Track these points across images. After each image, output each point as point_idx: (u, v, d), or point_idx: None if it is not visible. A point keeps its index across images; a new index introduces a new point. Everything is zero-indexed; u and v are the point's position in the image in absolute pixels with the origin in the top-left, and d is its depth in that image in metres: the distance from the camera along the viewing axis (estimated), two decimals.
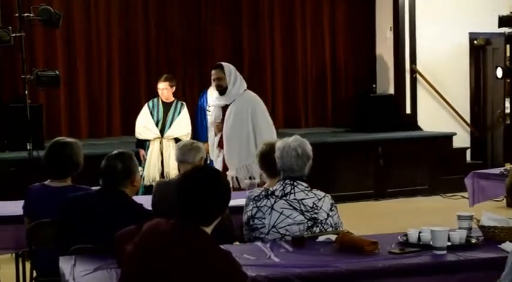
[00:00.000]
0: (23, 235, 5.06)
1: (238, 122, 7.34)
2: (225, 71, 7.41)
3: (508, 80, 12.17)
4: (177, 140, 8.72)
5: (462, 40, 12.73)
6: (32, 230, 4.94)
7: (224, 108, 7.47)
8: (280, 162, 4.58)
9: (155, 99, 9.17)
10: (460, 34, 12.65)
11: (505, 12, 11.12)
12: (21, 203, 5.21)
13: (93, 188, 4.92)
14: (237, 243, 5.01)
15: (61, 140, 5.24)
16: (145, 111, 9.13)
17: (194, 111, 9.64)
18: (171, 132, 9.00)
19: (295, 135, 4.70)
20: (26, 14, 7.98)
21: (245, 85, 7.52)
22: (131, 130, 9.60)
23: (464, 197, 9.96)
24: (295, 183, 4.52)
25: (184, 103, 9.22)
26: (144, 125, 9.04)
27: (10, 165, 9.21)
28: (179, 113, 9.10)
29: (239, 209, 4.82)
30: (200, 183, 3.23)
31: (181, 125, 9.03)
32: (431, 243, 4.09)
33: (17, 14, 7.99)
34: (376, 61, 12.89)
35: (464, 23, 12.58)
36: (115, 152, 4.77)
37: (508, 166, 8.39)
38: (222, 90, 7.44)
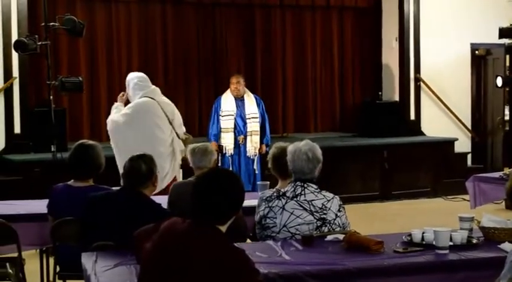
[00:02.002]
0: (47, 232, 5.08)
1: None
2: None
3: (508, 89, 12.11)
4: None
5: (464, 50, 12.69)
6: (56, 228, 4.96)
7: None
8: (292, 165, 4.57)
9: None
10: (462, 45, 12.61)
11: (505, 24, 11.08)
12: (45, 201, 5.24)
13: (113, 188, 4.94)
14: (250, 241, 5.01)
15: (84, 142, 5.27)
16: None
17: (209, 116, 9.70)
18: None
19: (306, 139, 4.69)
20: (51, 24, 8.00)
21: (143, 93, 7.40)
22: None
23: (465, 199, 9.94)
24: (305, 185, 4.51)
25: None
26: None
27: (35, 166, 9.23)
28: None
29: (251, 210, 4.82)
30: (215, 184, 3.23)
31: None
32: (434, 243, 4.08)
33: (43, 24, 8.01)
34: (382, 70, 12.85)
35: (466, 34, 12.54)
36: (137, 154, 4.78)
37: (507, 170, 8.33)
38: None
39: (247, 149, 9.40)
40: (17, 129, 10.06)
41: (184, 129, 7.71)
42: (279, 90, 12.41)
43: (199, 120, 11.61)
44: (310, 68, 12.64)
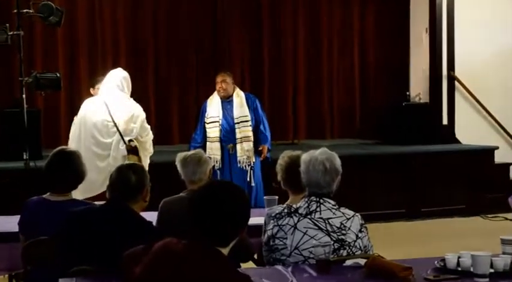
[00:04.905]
0: (18, 254, 5.06)
1: None
2: None
3: None
4: None
5: (507, 44, 12.70)
6: (28, 249, 4.94)
7: None
8: (306, 177, 4.55)
9: None
10: (505, 37, 12.64)
11: None
12: (15, 218, 5.22)
13: (96, 202, 4.93)
14: (254, 266, 5.00)
15: (65, 149, 5.28)
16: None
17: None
18: None
19: (322, 147, 4.67)
20: (25, 10, 8.03)
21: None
22: None
23: (507, 219, 9.95)
24: (321, 201, 4.50)
25: None
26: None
27: (4, 176, 9.24)
28: None
29: (254, 229, 4.80)
30: (215, 200, 3.22)
31: None
32: (471, 269, 4.06)
33: (15, 11, 8.03)
34: (410, 66, 12.89)
35: (508, 26, 12.56)
36: (126, 163, 4.78)
37: None
38: None
39: (238, 158, 9.30)
40: None
41: (146, 134, 7.99)
42: (289, 90, 12.44)
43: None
44: (325, 65, 12.68)
